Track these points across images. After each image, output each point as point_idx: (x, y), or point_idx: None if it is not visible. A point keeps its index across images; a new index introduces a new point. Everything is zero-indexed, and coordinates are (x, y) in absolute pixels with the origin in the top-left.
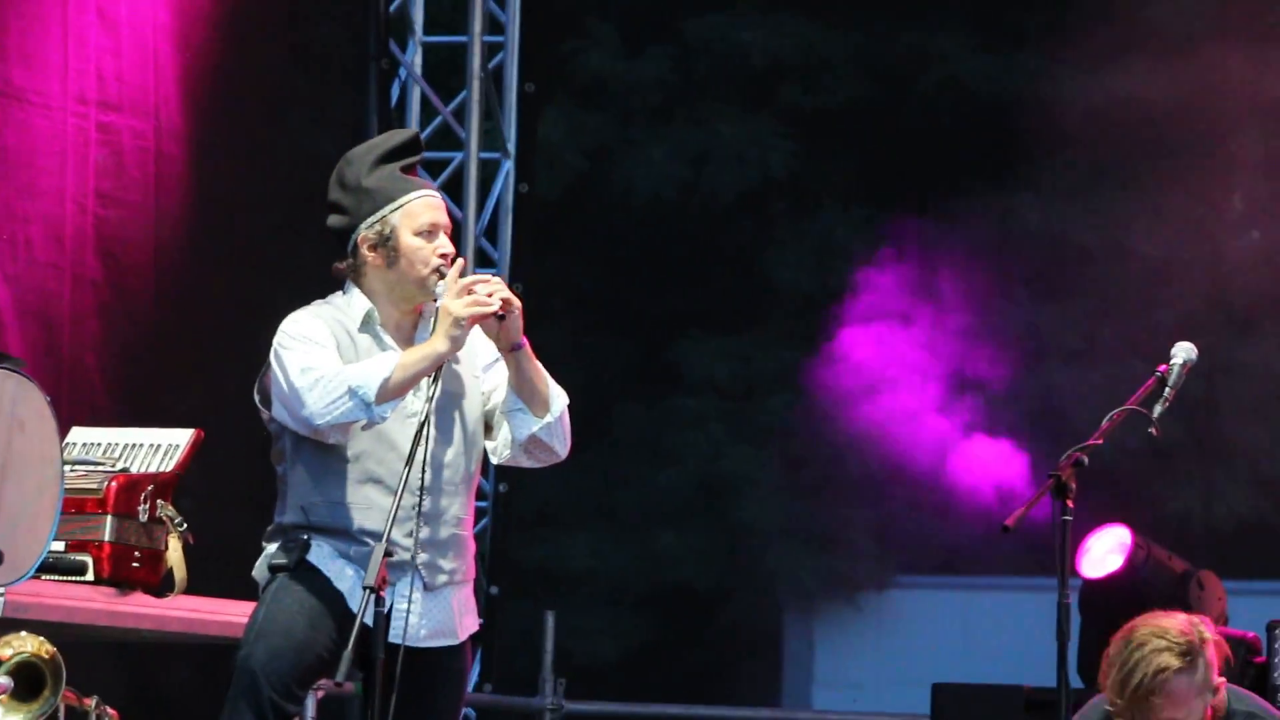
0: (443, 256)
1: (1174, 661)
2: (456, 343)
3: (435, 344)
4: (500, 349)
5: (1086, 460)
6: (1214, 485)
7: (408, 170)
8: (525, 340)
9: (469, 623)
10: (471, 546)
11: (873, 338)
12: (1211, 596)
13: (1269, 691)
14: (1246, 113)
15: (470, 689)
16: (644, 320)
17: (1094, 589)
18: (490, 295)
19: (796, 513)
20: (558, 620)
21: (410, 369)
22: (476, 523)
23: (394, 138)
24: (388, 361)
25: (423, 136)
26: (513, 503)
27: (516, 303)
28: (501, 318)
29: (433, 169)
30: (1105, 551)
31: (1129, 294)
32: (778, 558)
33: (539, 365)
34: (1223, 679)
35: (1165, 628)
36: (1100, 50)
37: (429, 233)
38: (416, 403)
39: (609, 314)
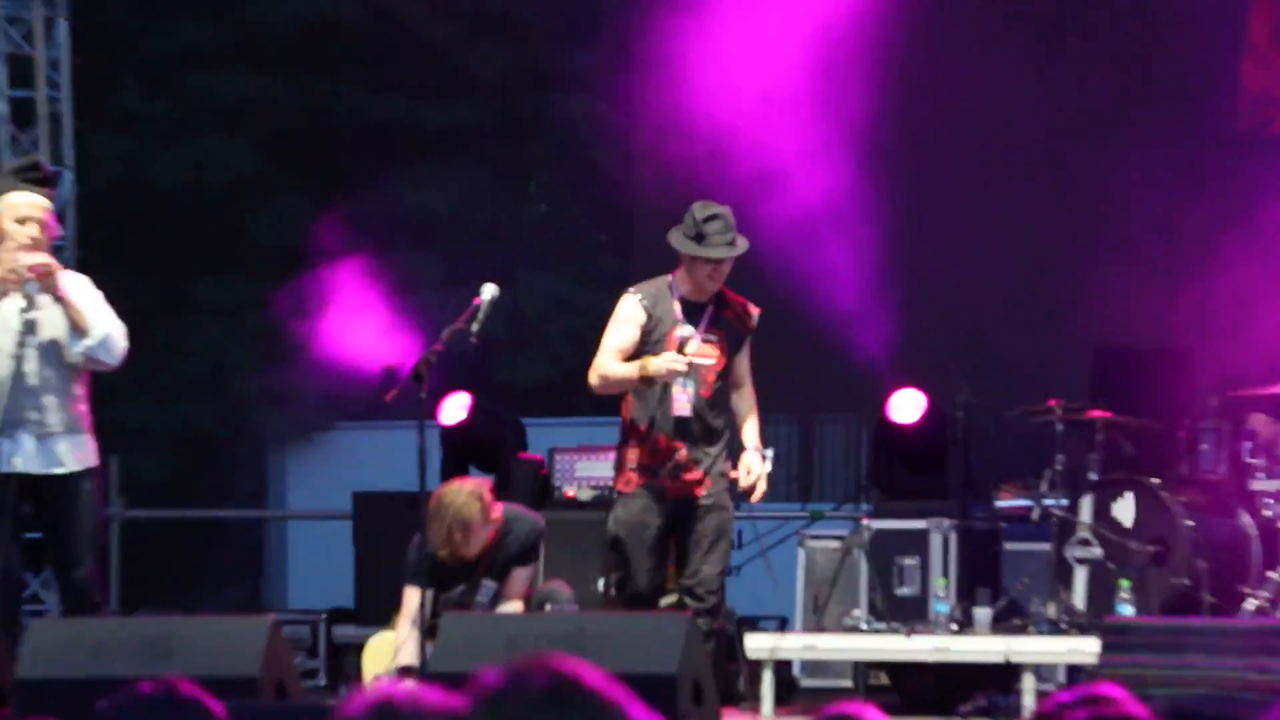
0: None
1: (464, 513)
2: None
3: (636, 371)
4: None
5: (434, 358)
6: (520, 362)
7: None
8: None
9: None
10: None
11: None
12: (518, 432)
13: (574, 483)
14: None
15: None
16: None
17: (450, 431)
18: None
19: None
20: None
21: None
22: None
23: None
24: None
25: None
26: None
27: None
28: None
29: None
30: (456, 408)
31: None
32: None
33: None
34: (500, 506)
35: (459, 489)
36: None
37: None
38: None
39: None
